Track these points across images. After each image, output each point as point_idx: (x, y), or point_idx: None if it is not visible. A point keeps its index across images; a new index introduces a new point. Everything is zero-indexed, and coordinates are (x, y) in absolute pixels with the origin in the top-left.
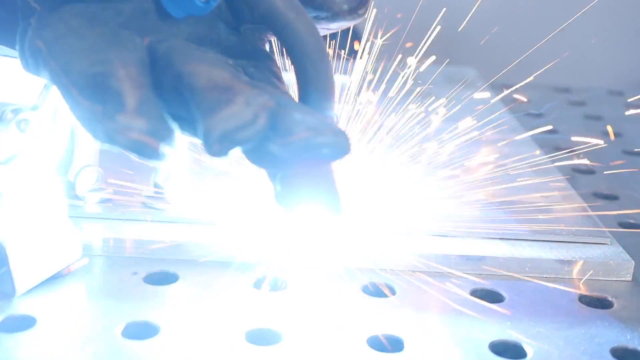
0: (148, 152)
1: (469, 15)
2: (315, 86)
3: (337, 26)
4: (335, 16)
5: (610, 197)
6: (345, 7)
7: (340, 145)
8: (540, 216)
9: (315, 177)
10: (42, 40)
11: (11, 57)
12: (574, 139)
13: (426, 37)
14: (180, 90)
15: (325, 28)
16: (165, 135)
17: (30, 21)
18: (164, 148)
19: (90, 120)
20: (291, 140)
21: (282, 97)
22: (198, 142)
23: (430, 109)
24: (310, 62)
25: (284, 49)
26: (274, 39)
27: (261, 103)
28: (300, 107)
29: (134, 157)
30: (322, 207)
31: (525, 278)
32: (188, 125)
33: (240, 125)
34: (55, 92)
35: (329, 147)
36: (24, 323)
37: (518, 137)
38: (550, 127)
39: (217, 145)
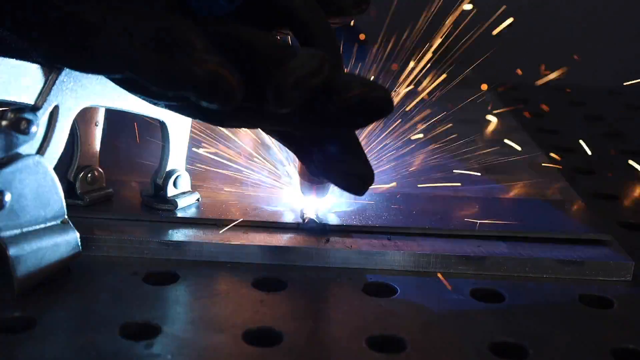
0: (224, 85)
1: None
2: None
3: (341, 20)
4: (339, 10)
5: (610, 197)
6: (349, 1)
7: (391, 101)
8: (540, 216)
9: (351, 145)
10: (91, 14)
11: (10, 57)
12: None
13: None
14: (240, 52)
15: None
16: (235, 72)
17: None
18: (236, 86)
19: (159, 68)
20: (349, 97)
21: None
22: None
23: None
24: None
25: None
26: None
27: (322, 55)
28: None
29: (205, 99)
30: (358, 175)
31: (526, 278)
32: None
33: (311, 71)
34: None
35: (383, 102)
36: (24, 323)
37: (518, 137)
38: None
39: (289, 93)
